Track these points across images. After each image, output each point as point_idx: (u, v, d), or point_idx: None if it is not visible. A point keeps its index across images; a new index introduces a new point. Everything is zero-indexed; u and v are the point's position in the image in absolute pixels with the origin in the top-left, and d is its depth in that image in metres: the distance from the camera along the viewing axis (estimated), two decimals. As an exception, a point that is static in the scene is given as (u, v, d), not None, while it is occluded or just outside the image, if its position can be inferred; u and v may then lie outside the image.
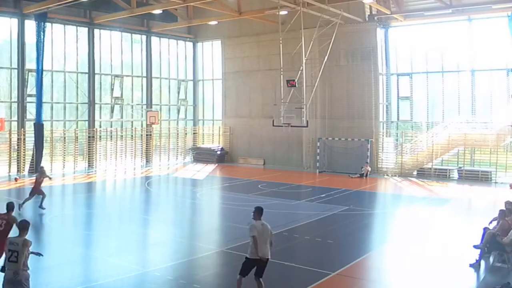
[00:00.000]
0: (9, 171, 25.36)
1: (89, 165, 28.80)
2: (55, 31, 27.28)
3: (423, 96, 28.15)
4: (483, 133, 25.13)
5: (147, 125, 31.92)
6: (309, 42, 25.17)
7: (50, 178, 17.50)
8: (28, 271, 7.34)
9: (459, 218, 16.82)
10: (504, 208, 11.67)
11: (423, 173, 26.68)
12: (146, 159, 32.12)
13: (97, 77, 29.65)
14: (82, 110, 29.38)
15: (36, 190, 16.73)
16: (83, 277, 10.09)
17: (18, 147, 25.93)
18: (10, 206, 10.08)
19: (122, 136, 31.31)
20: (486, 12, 24.65)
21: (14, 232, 8.46)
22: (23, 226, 7.72)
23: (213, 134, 35.87)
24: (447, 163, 27.06)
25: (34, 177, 17.37)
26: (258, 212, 8.88)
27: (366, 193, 22.17)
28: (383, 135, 28.85)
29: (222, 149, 33.95)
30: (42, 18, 25.45)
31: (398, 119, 29.15)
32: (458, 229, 14.96)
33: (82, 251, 12.18)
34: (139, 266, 10.89)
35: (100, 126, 30.07)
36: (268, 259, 8.80)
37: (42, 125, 26.29)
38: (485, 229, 11.32)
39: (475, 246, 11.04)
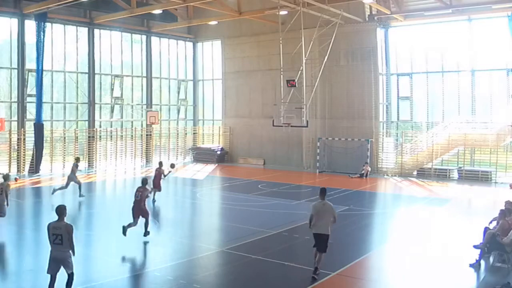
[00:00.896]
0: (9, 171, 25.30)
1: (89, 165, 28.79)
2: (55, 31, 27.27)
3: (423, 96, 28.15)
4: (483, 133, 25.13)
5: (147, 125, 31.92)
6: (309, 42, 25.17)
7: (164, 176, 18.50)
8: (70, 251, 8.25)
9: (459, 218, 16.82)
10: (504, 208, 11.67)
11: (423, 173, 26.67)
12: (146, 159, 32.12)
13: (97, 77, 29.65)
14: (82, 110, 29.38)
15: (158, 184, 17.53)
16: (83, 277, 10.07)
17: (18, 147, 25.92)
18: (144, 181, 13.49)
19: (122, 136, 31.30)
20: (486, 12, 24.64)
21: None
22: (60, 211, 8.30)
23: (213, 134, 35.87)
24: (447, 163, 27.05)
25: (154, 171, 18.10)
26: (321, 192, 10.26)
27: (366, 193, 22.17)
28: (383, 135, 28.84)
29: (222, 149, 33.94)
30: (42, 18, 25.45)
31: (398, 119, 29.15)
32: (458, 229, 14.95)
33: (82, 251, 12.16)
34: (139, 266, 10.89)
35: (100, 126, 30.06)
36: (327, 234, 9.92)
37: (42, 125, 26.29)
38: (486, 228, 11.31)
39: (475, 246, 11.04)
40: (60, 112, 28.56)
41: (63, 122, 28.58)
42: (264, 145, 32.12)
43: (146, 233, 12.93)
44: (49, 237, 8.26)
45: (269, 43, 30.09)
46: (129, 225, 12.70)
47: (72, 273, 8.29)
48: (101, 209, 18.09)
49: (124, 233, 12.49)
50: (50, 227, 8.24)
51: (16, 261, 11.49)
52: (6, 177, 14.28)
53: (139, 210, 12.92)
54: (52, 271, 8.24)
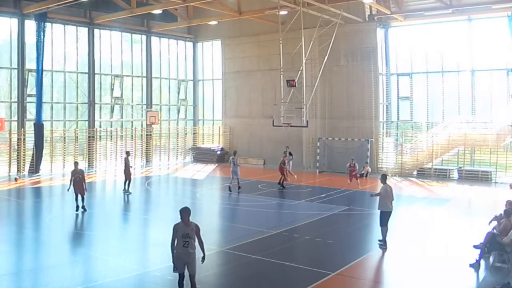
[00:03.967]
0: (9, 171, 25.36)
1: (89, 165, 28.79)
2: (55, 31, 27.28)
3: (423, 96, 28.15)
4: (483, 133, 25.13)
5: (147, 125, 31.91)
6: (309, 42, 25.17)
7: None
8: (178, 251, 8.84)
9: (459, 218, 16.82)
10: (506, 208, 11.63)
11: (423, 173, 26.67)
12: (146, 159, 32.13)
13: (97, 77, 29.65)
14: (82, 110, 29.39)
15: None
16: (83, 277, 10.09)
17: (18, 147, 25.93)
18: (289, 152, 24.56)
19: (122, 136, 31.30)
20: (486, 12, 24.64)
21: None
22: (180, 212, 8.68)
23: (213, 134, 35.87)
24: (447, 163, 27.04)
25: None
26: (383, 177, 13.02)
27: (366, 193, 22.08)
28: (383, 135, 28.84)
29: (222, 149, 33.94)
30: (42, 18, 25.46)
31: (398, 119, 29.14)
32: (458, 229, 14.95)
33: (82, 251, 12.18)
34: (139, 266, 10.89)
35: (100, 126, 30.07)
36: (391, 211, 12.60)
37: (42, 125, 26.30)
38: (489, 233, 11.18)
39: (475, 246, 11.03)
40: (60, 112, 28.56)
41: (63, 122, 28.59)
42: (264, 145, 32.10)
43: (281, 184, 22.12)
44: None
45: (269, 43, 30.08)
46: (280, 179, 21.99)
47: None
48: (101, 209, 18.08)
49: (281, 185, 22.08)
50: None
51: (16, 261, 11.49)
52: (234, 152, 23.12)
53: (282, 172, 22.12)
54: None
